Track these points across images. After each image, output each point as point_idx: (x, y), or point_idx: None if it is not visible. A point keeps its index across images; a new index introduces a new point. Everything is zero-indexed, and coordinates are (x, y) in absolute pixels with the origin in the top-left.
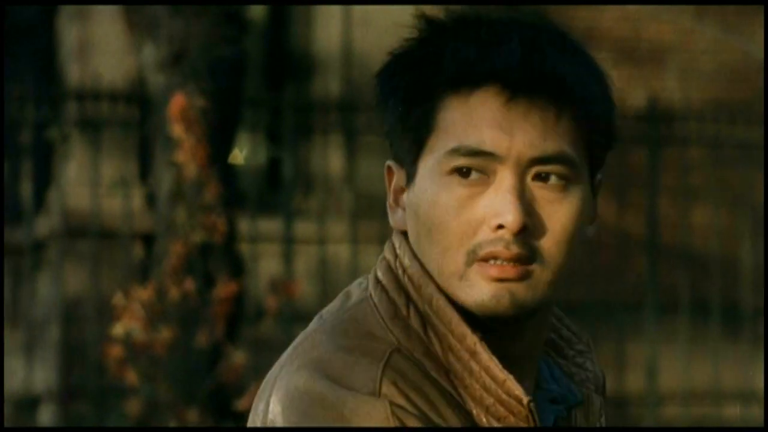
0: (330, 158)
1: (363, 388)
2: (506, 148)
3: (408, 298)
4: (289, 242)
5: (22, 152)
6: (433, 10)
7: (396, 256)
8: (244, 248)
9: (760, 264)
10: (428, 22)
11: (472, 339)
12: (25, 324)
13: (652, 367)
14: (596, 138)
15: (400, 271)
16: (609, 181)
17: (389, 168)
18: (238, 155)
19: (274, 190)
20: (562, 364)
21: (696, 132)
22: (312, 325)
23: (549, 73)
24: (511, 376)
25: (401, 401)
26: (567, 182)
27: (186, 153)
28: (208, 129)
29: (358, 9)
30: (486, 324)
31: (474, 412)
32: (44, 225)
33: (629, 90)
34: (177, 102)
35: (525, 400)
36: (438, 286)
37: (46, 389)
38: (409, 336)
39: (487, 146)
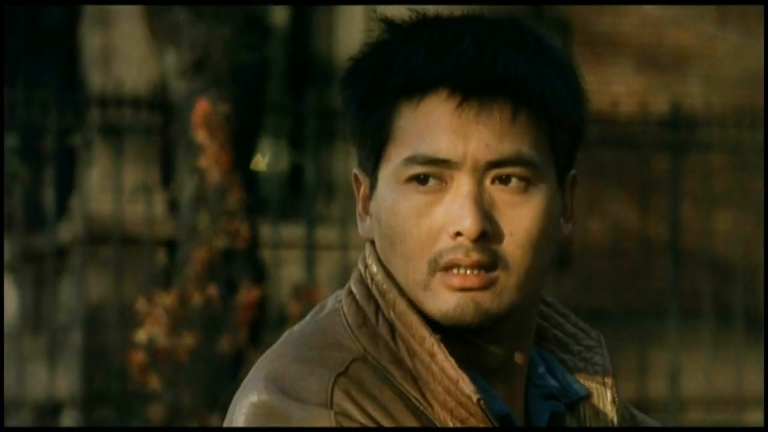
0: (352, 164)
1: (314, 399)
2: (461, 154)
3: (377, 306)
4: (311, 248)
5: (45, 159)
6: (455, 12)
7: (366, 265)
8: (267, 254)
9: None
10: (387, 24)
11: (430, 341)
12: (47, 330)
13: (674, 372)
14: (560, 136)
15: (369, 280)
16: (631, 187)
17: (356, 176)
18: (260, 161)
19: (297, 196)
20: (567, 359)
21: (718, 138)
22: (281, 338)
23: (501, 73)
24: (464, 376)
25: (352, 411)
26: (528, 183)
27: (209, 159)
28: (231, 135)
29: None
30: (457, 333)
31: (441, 417)
32: (67, 231)
33: (651, 96)
34: (201, 108)
35: (474, 397)
36: (402, 292)
37: (68, 395)
38: (377, 344)
39: (443, 154)
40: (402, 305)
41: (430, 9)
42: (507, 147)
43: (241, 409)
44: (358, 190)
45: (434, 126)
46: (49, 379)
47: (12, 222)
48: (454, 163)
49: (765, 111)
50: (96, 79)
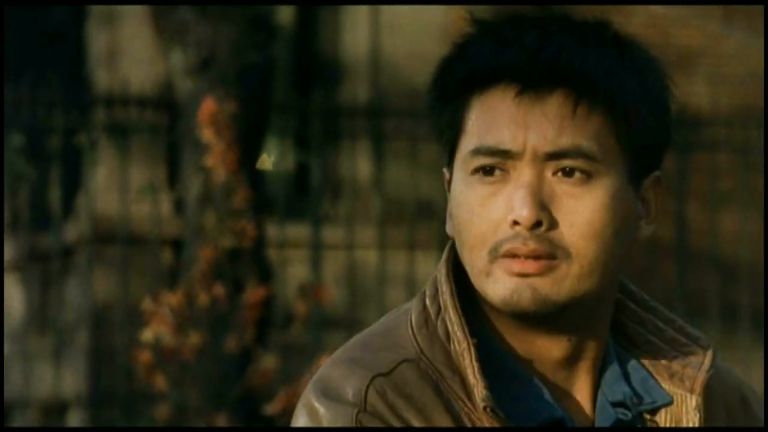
0: (358, 164)
1: (350, 399)
2: (521, 144)
3: (439, 307)
4: (317, 248)
5: (51, 158)
6: (459, 13)
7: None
8: (273, 253)
9: None
10: (472, 23)
11: (464, 343)
12: (53, 330)
13: None
14: (628, 132)
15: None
16: None
17: (445, 175)
18: (267, 161)
19: (303, 196)
20: (658, 365)
21: (725, 137)
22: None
23: (562, 65)
24: (482, 382)
25: (383, 411)
26: (589, 176)
27: (215, 158)
28: (237, 134)
29: (386, 14)
30: (519, 325)
31: (482, 419)
32: (73, 231)
33: None
34: (207, 107)
35: (481, 404)
36: (455, 293)
37: (74, 395)
38: (433, 345)
39: (504, 145)
40: (449, 303)
41: (437, 14)
42: (565, 140)
43: (297, 411)
44: (448, 188)
45: (497, 117)
46: (55, 378)
47: (18, 221)
48: (515, 153)
49: (765, 111)
50: (102, 79)
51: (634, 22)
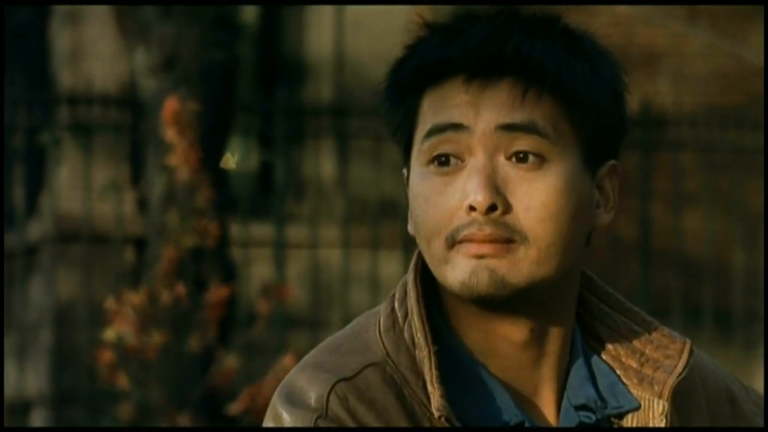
0: (322, 163)
1: (312, 404)
2: (473, 118)
3: (406, 310)
4: (280, 247)
5: (14, 157)
6: (424, 12)
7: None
8: (236, 252)
9: (752, 269)
10: (422, 25)
11: (425, 350)
12: (16, 328)
13: None
14: (580, 119)
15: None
16: None
17: (405, 175)
18: (230, 160)
19: (266, 195)
20: (629, 369)
21: (688, 137)
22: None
23: (509, 53)
24: (439, 391)
25: (343, 416)
26: (543, 160)
27: (178, 157)
28: (200, 133)
29: (350, 14)
30: (480, 314)
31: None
32: (36, 229)
33: None
34: (170, 106)
35: (436, 414)
36: (423, 294)
37: (37, 394)
38: (399, 348)
39: (456, 119)
40: (416, 311)
41: (400, 13)
42: (518, 115)
43: (266, 416)
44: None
45: (449, 102)
46: (19, 377)
47: None
48: (467, 126)
49: (765, 110)
50: (65, 77)
51: (598, 21)
